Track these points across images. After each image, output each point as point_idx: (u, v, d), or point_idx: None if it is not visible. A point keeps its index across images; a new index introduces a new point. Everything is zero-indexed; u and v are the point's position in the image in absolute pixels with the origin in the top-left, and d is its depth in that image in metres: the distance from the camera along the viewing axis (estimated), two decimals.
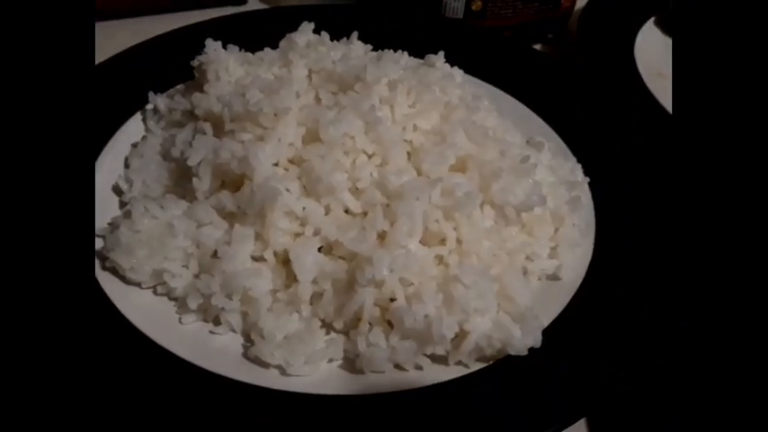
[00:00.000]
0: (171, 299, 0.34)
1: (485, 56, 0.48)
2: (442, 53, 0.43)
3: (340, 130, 0.34)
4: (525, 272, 0.34)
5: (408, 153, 0.36)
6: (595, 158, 0.41)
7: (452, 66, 0.45)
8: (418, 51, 0.47)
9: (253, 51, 0.43)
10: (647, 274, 0.34)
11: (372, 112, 0.35)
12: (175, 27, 0.48)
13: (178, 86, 0.44)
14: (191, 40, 0.44)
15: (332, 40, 0.44)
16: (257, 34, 0.45)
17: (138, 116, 0.42)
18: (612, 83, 0.48)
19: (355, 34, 0.44)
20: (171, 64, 0.44)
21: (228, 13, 0.52)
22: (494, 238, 0.33)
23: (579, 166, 0.40)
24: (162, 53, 0.46)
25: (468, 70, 0.46)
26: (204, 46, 0.41)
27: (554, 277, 0.35)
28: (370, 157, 0.35)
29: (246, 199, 0.33)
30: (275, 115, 0.35)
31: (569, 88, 0.46)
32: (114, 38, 0.47)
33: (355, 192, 0.34)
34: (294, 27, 0.44)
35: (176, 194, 0.37)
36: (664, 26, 0.55)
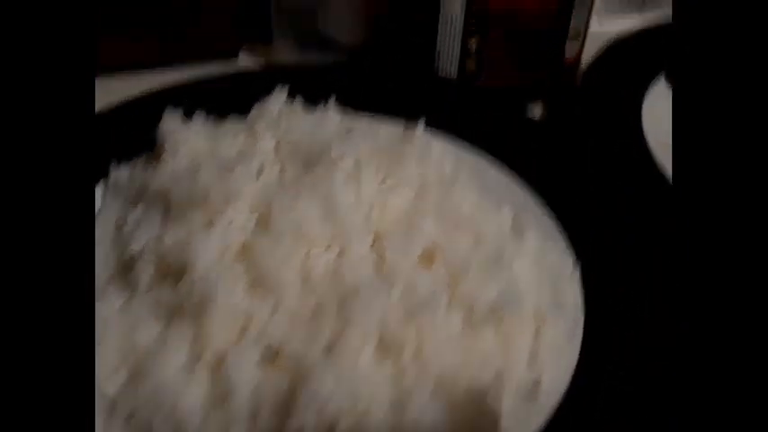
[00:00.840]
0: (102, 403, 0.30)
1: (475, 119, 0.45)
2: (422, 122, 0.39)
3: (293, 217, 0.31)
4: (497, 386, 0.30)
5: (373, 239, 0.32)
6: (590, 242, 0.37)
7: (438, 128, 0.42)
8: (404, 113, 0.44)
9: (225, 117, 0.41)
10: (641, 389, 0.30)
11: (332, 195, 0.32)
12: (160, 84, 0.46)
13: (142, 156, 0.41)
14: (164, 104, 0.41)
15: (314, 103, 0.41)
16: (233, 98, 0.43)
17: (100, 187, 0.40)
18: (615, 153, 0.44)
19: (332, 100, 0.41)
20: (139, 130, 0.42)
21: (214, 71, 0.50)
22: (461, 346, 0.29)
23: (569, 252, 0.36)
24: (131, 117, 0.44)
25: (457, 134, 0.43)
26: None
27: (532, 392, 0.30)
28: (326, 247, 0.31)
29: (185, 294, 0.30)
30: (226, 199, 0.32)
31: (566, 158, 0.42)
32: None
33: (307, 288, 0.31)
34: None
35: (120, 283, 0.33)
36: (672, 81, 0.51)
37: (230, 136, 0.38)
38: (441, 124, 0.44)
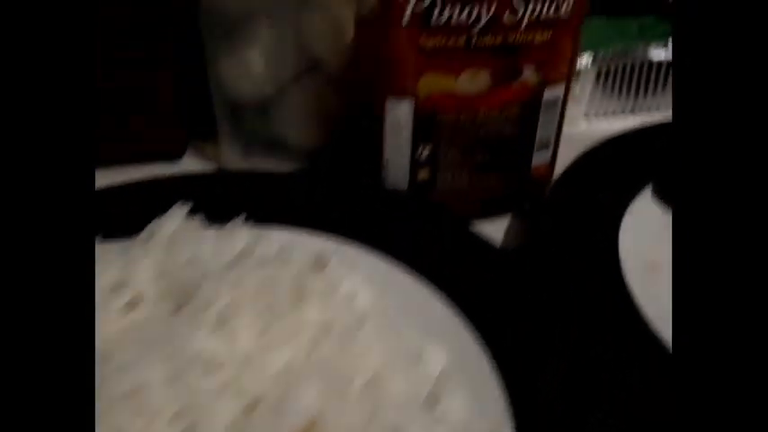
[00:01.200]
0: None
1: (416, 238, 0.38)
2: (334, 257, 0.33)
3: (128, 380, 0.25)
4: None
5: (241, 410, 0.26)
6: (537, 399, 0.29)
7: (373, 248, 0.35)
8: (338, 229, 0.38)
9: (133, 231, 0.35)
10: None
11: (188, 348, 0.26)
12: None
13: None
14: None
15: (227, 218, 0.36)
16: (145, 208, 0.37)
17: None
18: (584, 289, 0.37)
19: (239, 220, 0.36)
20: None
21: (149, 174, 0.45)
22: None
23: (506, 416, 0.28)
24: None
25: (394, 255, 0.37)
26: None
27: None
28: (169, 421, 0.25)
29: None
30: None
31: (524, 294, 0.35)
32: None
33: None
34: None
35: None
36: (662, 198, 0.44)
37: (112, 260, 0.33)
38: (376, 243, 0.38)
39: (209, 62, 0.45)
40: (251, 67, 0.45)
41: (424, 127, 0.40)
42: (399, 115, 0.40)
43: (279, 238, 0.35)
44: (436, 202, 0.42)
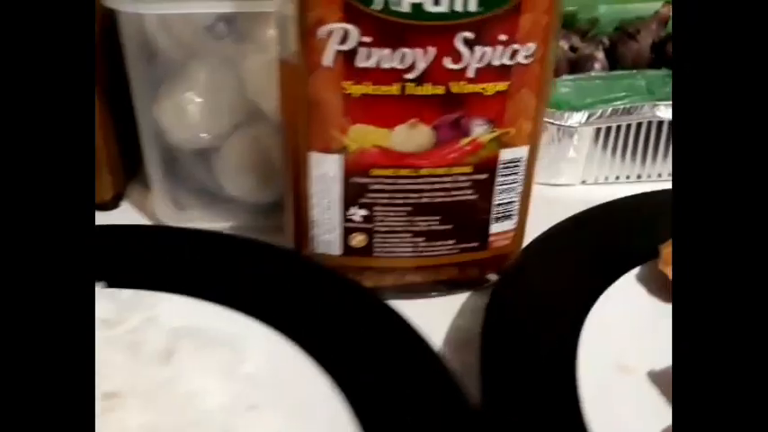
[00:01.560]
0: None
1: (317, 315, 0.33)
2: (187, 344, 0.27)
3: None
4: None
5: None
6: None
7: (261, 321, 0.30)
8: (230, 300, 0.33)
9: None
10: None
11: None
12: None
13: None
14: None
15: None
16: None
17: None
18: (519, 386, 0.30)
19: (102, 284, 0.31)
20: None
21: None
22: None
23: None
24: None
25: (281, 330, 0.31)
26: None
27: None
28: None
29: None
30: None
31: (438, 390, 0.29)
32: None
33: None
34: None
35: None
36: (647, 282, 0.37)
37: None
38: (269, 318, 0.33)
39: (139, 105, 0.41)
40: (187, 111, 0.41)
41: (356, 186, 0.35)
42: (327, 171, 0.34)
43: (150, 310, 0.30)
44: (345, 277, 0.36)
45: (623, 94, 0.47)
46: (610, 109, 0.47)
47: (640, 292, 0.36)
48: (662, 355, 0.32)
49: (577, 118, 0.47)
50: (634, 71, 0.49)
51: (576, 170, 0.49)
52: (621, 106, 0.47)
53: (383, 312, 0.33)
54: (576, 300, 0.35)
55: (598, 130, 0.47)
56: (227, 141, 0.42)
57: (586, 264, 0.37)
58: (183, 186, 0.44)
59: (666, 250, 0.36)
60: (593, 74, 0.50)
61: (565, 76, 0.49)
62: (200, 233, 0.39)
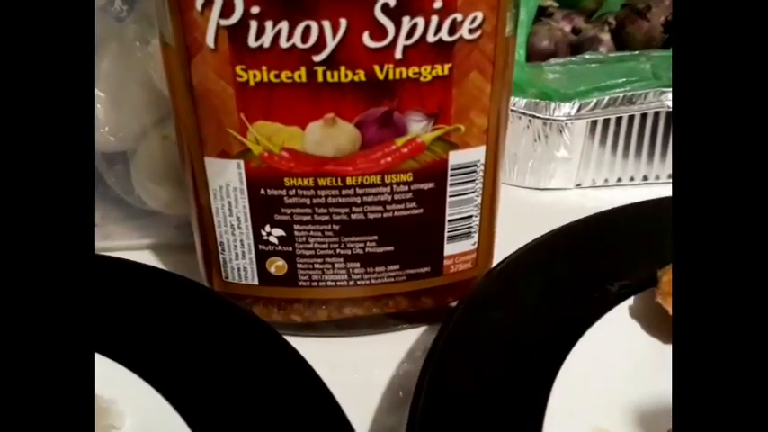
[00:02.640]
0: None
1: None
2: None
3: None
4: None
5: None
6: None
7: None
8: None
9: None
10: None
11: None
12: None
13: None
14: None
15: None
16: None
17: None
18: None
19: None
20: None
21: None
22: None
23: None
24: None
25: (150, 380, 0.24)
26: None
27: None
28: None
29: None
30: None
31: None
32: None
33: None
34: None
35: None
36: (643, 317, 0.29)
37: None
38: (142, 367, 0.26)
39: None
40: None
41: (267, 200, 0.28)
42: (228, 181, 0.27)
43: None
44: (245, 311, 0.29)
45: (623, 79, 0.39)
46: (607, 98, 0.39)
47: (633, 331, 0.29)
48: (658, 418, 0.24)
49: (566, 109, 0.39)
50: (636, 52, 0.41)
51: (568, 172, 0.41)
52: (621, 94, 0.39)
53: (288, 362, 0.26)
54: (550, 341, 0.27)
55: (593, 123, 0.39)
56: (142, 144, 0.35)
57: (567, 293, 0.29)
58: (100, 201, 0.37)
59: (666, 277, 0.28)
60: (587, 56, 0.42)
61: (553, 60, 0.41)
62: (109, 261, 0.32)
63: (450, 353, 0.26)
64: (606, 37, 0.48)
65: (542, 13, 0.51)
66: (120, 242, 0.37)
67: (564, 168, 0.41)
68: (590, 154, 0.41)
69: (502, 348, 0.27)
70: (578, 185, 0.42)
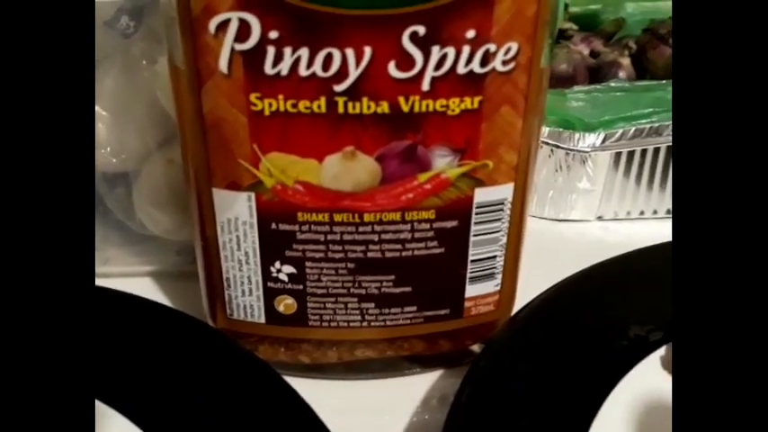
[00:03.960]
0: None
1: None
2: None
3: None
4: None
5: None
6: None
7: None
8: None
9: None
10: None
11: None
12: None
13: None
14: None
15: None
16: None
17: None
18: None
19: None
20: None
21: None
22: None
23: None
24: None
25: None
26: None
27: None
28: None
29: None
30: None
31: None
32: None
33: None
34: None
35: None
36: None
37: None
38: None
39: None
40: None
41: (278, 235, 0.26)
42: (237, 214, 0.25)
43: None
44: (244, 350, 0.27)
45: (650, 109, 0.37)
46: (633, 129, 0.37)
47: (667, 381, 0.27)
48: None
49: (591, 140, 0.37)
50: (664, 81, 0.39)
51: (590, 204, 0.39)
52: (648, 125, 0.37)
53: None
54: (579, 393, 0.25)
55: (617, 154, 0.38)
56: (145, 166, 0.33)
57: (598, 340, 0.28)
58: (101, 225, 0.35)
59: None
60: (612, 84, 0.40)
61: (577, 88, 0.39)
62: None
63: (475, 406, 0.24)
64: (626, 62, 0.46)
65: (561, 36, 0.50)
66: (119, 268, 0.35)
67: (585, 200, 0.39)
68: (613, 186, 0.39)
69: (530, 402, 0.25)
70: (599, 218, 0.40)
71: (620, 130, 0.37)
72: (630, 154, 0.38)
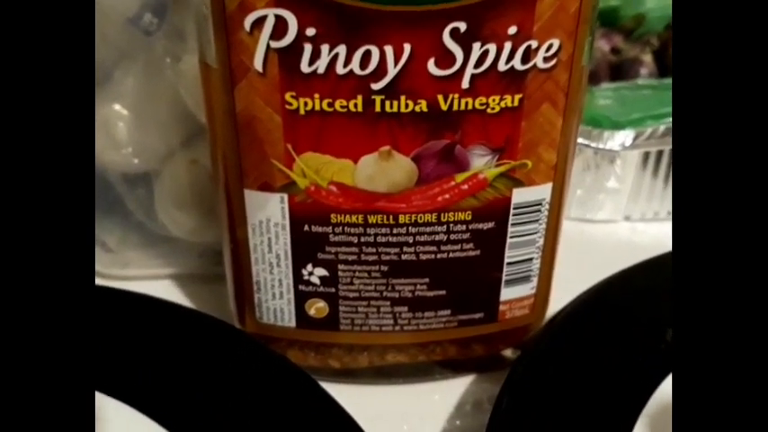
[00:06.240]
0: None
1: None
2: None
3: None
4: None
5: None
6: None
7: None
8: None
9: None
10: None
11: None
12: None
13: None
14: None
15: None
16: None
17: None
18: None
19: None
20: None
21: None
22: None
23: None
24: None
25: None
26: None
27: None
28: None
29: None
30: None
31: None
32: None
33: None
34: None
35: None
36: None
37: None
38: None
39: None
40: (114, 127, 0.32)
41: (310, 237, 0.25)
42: (269, 216, 0.25)
43: None
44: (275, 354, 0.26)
45: None
46: (663, 127, 0.36)
47: None
48: None
49: (620, 139, 0.36)
50: None
51: (618, 203, 0.39)
52: None
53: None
54: (619, 398, 0.25)
55: (646, 153, 0.37)
56: (167, 166, 0.33)
57: (635, 344, 0.27)
58: (111, 222, 0.35)
59: None
60: (639, 82, 0.39)
61: (604, 85, 0.39)
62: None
63: (516, 413, 0.23)
64: (648, 58, 0.46)
65: None
66: (140, 271, 0.35)
67: (613, 199, 0.38)
68: (641, 185, 0.38)
69: (571, 408, 0.24)
70: (627, 218, 0.39)
71: (650, 129, 0.36)
72: (659, 153, 0.37)
